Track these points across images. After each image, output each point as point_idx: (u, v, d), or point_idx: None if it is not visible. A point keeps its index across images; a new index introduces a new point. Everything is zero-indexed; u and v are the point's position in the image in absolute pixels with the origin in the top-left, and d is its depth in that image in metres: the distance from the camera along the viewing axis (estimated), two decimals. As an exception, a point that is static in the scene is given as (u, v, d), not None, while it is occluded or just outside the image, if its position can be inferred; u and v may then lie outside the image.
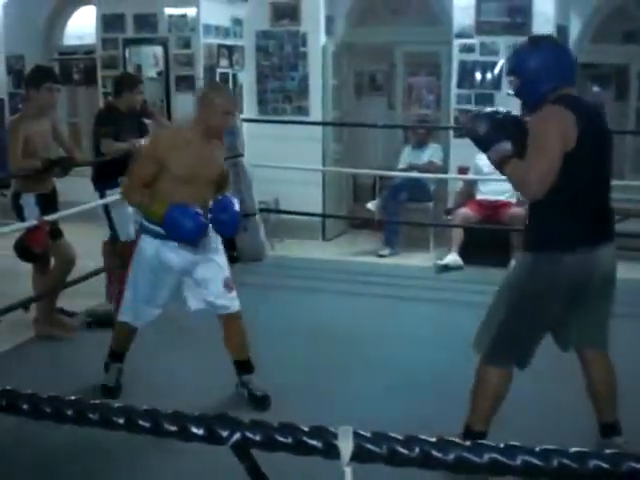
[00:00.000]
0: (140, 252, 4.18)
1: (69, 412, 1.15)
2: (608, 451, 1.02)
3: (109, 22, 8.30)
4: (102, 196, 6.02)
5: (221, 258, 4.29)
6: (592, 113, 3.25)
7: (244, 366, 4.36)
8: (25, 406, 1.17)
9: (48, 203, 5.37)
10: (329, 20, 8.72)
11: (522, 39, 7.61)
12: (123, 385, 4.48)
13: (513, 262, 6.94)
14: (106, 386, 4.46)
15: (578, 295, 3.22)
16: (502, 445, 1.06)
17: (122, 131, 5.94)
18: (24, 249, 5.14)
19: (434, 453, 1.05)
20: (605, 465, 0.99)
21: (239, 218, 4.32)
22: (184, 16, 8.01)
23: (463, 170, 7.94)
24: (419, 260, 7.62)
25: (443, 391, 4.40)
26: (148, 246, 4.14)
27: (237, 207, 4.25)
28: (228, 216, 4.20)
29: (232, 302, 4.27)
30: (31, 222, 5.10)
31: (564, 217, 3.16)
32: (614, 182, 7.66)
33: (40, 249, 5.14)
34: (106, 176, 6.00)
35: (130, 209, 6.12)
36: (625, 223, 6.94)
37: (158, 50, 8.27)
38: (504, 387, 3.39)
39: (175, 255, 4.13)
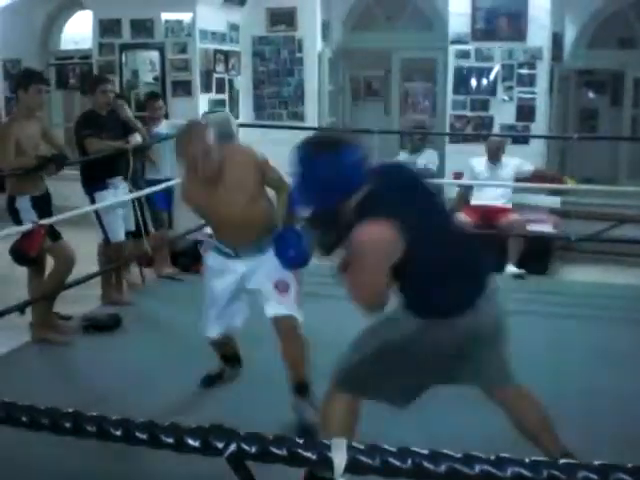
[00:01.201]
0: (205, 267, 4.19)
1: (66, 424, 1.16)
2: (597, 463, 1.03)
3: (106, 27, 8.32)
4: (92, 199, 6.06)
5: (273, 263, 3.88)
6: (413, 183, 3.00)
7: (296, 388, 3.98)
8: (24, 418, 1.18)
9: (43, 205, 5.38)
10: (325, 26, 8.75)
11: (517, 45, 7.78)
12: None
13: (509, 267, 6.99)
14: (208, 375, 4.53)
15: (466, 352, 3.01)
16: (493, 457, 1.07)
17: (103, 132, 6.00)
18: (20, 253, 5.14)
19: (426, 465, 1.07)
20: (594, 476, 1.01)
21: (305, 253, 3.83)
22: (180, 21, 8.03)
23: (458, 175, 7.96)
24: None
25: (434, 393, 4.41)
26: (210, 260, 4.10)
27: (300, 241, 3.79)
28: (294, 253, 3.81)
29: (282, 307, 3.93)
30: (27, 226, 5.10)
31: (436, 287, 2.92)
32: (610, 187, 7.80)
33: (35, 253, 5.14)
34: (94, 178, 6.06)
35: (120, 211, 6.17)
36: (621, 229, 6.98)
37: (154, 55, 8.29)
38: (349, 419, 3.15)
39: (232, 266, 3.99)
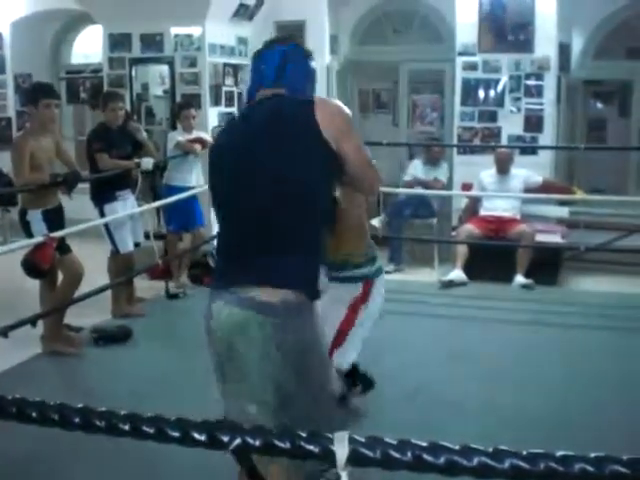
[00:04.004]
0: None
1: (76, 420, 1.19)
2: (593, 455, 1.06)
3: (116, 41, 8.39)
4: (101, 211, 6.13)
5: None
6: (260, 120, 2.49)
7: None
8: (34, 414, 1.21)
9: (55, 218, 5.43)
10: (333, 39, 8.81)
11: (525, 56, 7.81)
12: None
13: (518, 278, 7.01)
14: None
15: (212, 343, 2.50)
16: (490, 449, 1.09)
17: (113, 146, 6.09)
18: (31, 266, 5.17)
19: (425, 457, 1.10)
20: (590, 468, 1.03)
21: None
22: (190, 35, 8.09)
23: (467, 186, 7.99)
24: (423, 276, 7.65)
25: (446, 404, 4.43)
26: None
27: None
28: None
29: None
30: (38, 239, 5.15)
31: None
32: (619, 197, 7.82)
33: (47, 265, 5.17)
34: (103, 191, 6.13)
35: (129, 222, 6.23)
36: (630, 238, 6.99)
37: (164, 69, 8.36)
38: None
39: None
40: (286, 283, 2.33)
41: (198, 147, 7.05)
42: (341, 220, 3.51)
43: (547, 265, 7.21)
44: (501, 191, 7.46)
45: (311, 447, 1.14)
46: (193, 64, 8.17)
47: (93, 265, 5.88)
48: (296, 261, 2.38)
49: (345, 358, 3.86)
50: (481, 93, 8.07)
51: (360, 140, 2.52)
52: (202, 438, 1.16)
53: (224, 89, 8.39)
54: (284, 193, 2.36)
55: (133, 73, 8.41)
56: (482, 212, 7.60)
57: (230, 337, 2.34)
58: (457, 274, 7.21)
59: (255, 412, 2.17)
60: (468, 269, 7.22)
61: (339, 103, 2.51)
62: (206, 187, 7.06)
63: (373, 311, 3.90)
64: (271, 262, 2.36)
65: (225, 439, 1.16)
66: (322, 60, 8.50)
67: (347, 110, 2.50)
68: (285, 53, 2.55)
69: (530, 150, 7.94)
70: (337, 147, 2.37)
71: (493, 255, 7.23)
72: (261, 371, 2.29)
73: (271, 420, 2.09)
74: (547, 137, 7.95)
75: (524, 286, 6.98)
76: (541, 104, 7.90)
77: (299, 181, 2.36)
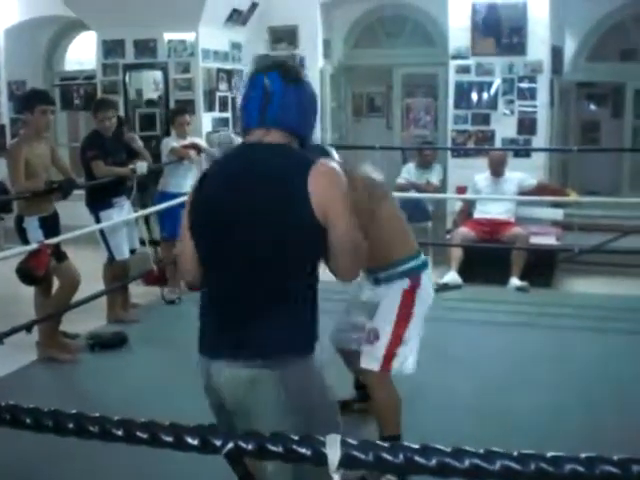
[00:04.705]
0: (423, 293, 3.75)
1: (70, 426, 1.20)
2: (583, 455, 1.06)
3: (109, 48, 8.39)
4: (96, 217, 6.12)
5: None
6: (243, 173, 2.34)
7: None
8: (28, 420, 1.21)
9: (51, 225, 5.43)
10: (327, 43, 8.83)
11: (518, 59, 7.83)
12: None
13: (512, 280, 7.02)
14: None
15: (217, 408, 2.45)
16: (482, 450, 1.10)
17: (108, 154, 6.09)
18: (26, 273, 5.17)
19: (417, 459, 1.10)
20: (581, 469, 1.04)
21: None
22: (183, 41, 8.09)
23: (461, 189, 8.00)
24: (419, 279, 7.64)
25: (440, 407, 4.44)
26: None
27: None
28: None
29: (364, 359, 3.66)
30: (32, 246, 5.14)
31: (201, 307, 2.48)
32: (613, 199, 7.83)
33: (42, 272, 5.17)
34: (99, 198, 6.13)
35: (125, 229, 6.23)
36: (624, 240, 7.01)
37: (158, 75, 8.35)
38: None
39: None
40: (276, 351, 2.28)
41: (192, 153, 7.05)
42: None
43: (542, 267, 7.22)
44: (495, 194, 7.47)
45: (303, 450, 1.14)
46: (187, 70, 8.18)
47: (88, 272, 5.87)
48: (281, 328, 2.33)
49: (407, 363, 3.70)
50: (474, 96, 8.09)
51: (351, 212, 2.31)
52: (195, 443, 1.17)
53: (218, 94, 8.39)
54: (255, 275, 2.29)
55: (127, 79, 8.40)
56: (477, 215, 7.60)
57: (238, 395, 2.29)
58: (452, 277, 7.21)
59: (271, 468, 2.03)
60: (463, 272, 7.23)
61: (337, 169, 2.32)
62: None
63: (424, 307, 3.77)
64: (255, 334, 2.29)
65: (218, 443, 1.16)
66: (315, 64, 8.51)
67: (343, 178, 2.32)
68: (265, 90, 2.34)
69: (524, 152, 7.95)
70: (325, 220, 2.24)
71: (488, 258, 7.24)
72: (273, 421, 2.18)
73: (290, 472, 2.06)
74: (541, 139, 7.97)
75: (519, 288, 6.99)
76: (534, 107, 7.92)
77: (271, 264, 2.28)
